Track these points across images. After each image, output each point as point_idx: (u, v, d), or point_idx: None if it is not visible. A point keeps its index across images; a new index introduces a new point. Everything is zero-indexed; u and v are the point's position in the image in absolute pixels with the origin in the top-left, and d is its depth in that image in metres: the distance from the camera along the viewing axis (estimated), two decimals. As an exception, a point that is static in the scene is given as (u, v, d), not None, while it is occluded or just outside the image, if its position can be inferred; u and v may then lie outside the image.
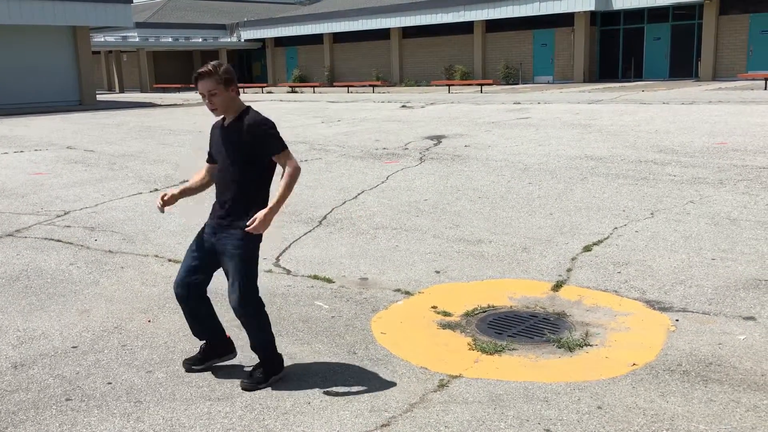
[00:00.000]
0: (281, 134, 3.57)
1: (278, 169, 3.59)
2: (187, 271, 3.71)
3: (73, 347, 4.17)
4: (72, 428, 3.25)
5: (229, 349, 3.91)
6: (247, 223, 3.47)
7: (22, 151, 13.90)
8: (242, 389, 3.61)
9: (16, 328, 4.52)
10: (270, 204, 3.52)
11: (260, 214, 3.47)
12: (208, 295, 3.80)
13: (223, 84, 3.49)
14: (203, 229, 3.73)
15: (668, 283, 5.07)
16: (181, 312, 3.81)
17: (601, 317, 4.48)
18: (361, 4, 42.29)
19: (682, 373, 3.64)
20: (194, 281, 3.69)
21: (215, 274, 3.75)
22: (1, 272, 5.78)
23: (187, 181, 3.99)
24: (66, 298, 5.11)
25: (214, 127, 3.74)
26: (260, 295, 3.65)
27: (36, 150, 14.08)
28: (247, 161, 3.54)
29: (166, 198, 3.75)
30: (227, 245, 3.56)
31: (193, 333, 3.86)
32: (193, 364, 3.85)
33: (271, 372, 3.68)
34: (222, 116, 3.65)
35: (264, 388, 3.62)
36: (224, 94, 3.52)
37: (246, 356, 3.90)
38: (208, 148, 3.80)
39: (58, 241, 6.78)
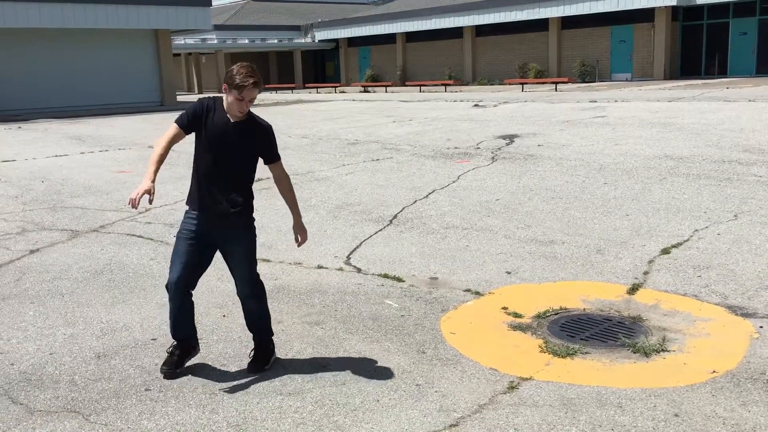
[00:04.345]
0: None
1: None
2: (188, 267, 3.69)
3: (153, 339, 4.33)
4: (151, 417, 3.37)
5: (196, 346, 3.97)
6: (299, 241, 3.91)
7: (106, 150, 14.50)
8: (248, 372, 3.81)
9: (100, 320, 4.72)
10: (295, 219, 3.91)
11: (303, 233, 3.91)
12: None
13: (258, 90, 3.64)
14: (194, 224, 3.71)
15: (752, 288, 4.86)
16: None
17: (680, 322, 4.33)
18: (434, 3, 42.19)
19: (766, 382, 3.49)
20: (195, 278, 3.77)
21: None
22: (87, 266, 6.04)
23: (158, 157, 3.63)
24: (146, 291, 5.30)
25: (210, 111, 3.64)
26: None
27: (119, 149, 14.67)
28: (254, 162, 3.78)
29: (151, 192, 3.47)
30: (237, 236, 3.74)
31: (174, 332, 3.83)
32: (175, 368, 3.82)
33: (271, 353, 3.95)
34: (216, 105, 3.66)
35: (267, 368, 3.85)
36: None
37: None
38: (190, 119, 3.64)
39: (140, 237, 7.04)
